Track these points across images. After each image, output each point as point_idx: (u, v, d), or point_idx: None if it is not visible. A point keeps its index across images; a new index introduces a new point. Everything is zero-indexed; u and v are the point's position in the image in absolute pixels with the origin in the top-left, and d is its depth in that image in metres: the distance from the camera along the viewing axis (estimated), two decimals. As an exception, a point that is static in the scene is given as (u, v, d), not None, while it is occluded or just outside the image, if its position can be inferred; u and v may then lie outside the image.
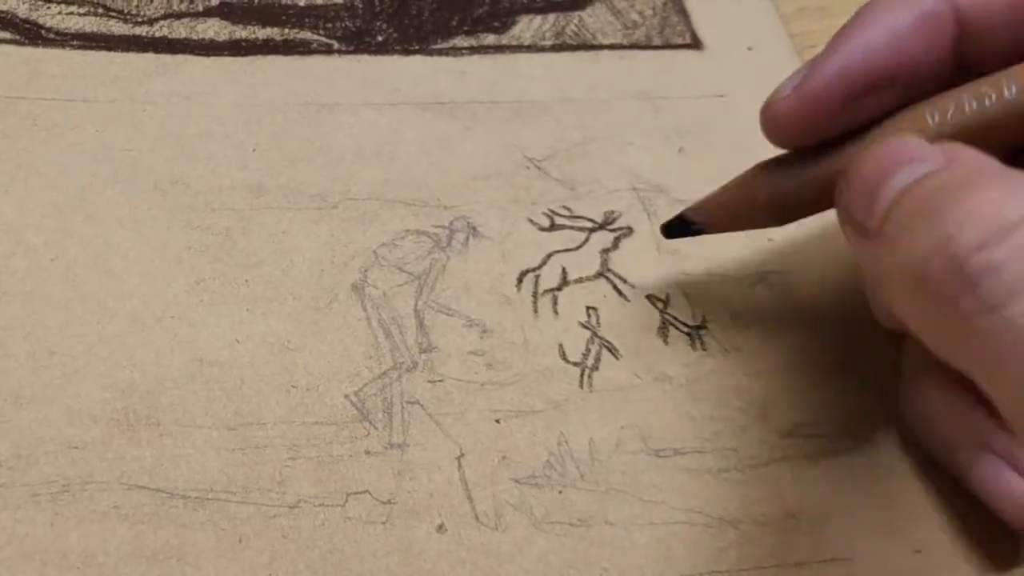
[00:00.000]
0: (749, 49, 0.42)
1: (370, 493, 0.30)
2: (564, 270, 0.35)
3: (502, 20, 0.40)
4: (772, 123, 0.30)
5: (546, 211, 0.36)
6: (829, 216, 0.36)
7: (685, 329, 0.34)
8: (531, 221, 0.35)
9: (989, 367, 0.23)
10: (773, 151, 0.38)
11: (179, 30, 0.37)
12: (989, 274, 0.22)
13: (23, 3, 0.37)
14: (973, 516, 0.31)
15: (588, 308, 0.34)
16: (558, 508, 0.30)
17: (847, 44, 0.28)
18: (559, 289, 0.34)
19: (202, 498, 0.29)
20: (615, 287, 0.35)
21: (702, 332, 0.34)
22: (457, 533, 0.30)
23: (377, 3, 0.40)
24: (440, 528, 0.30)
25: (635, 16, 0.41)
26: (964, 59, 0.29)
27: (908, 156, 0.26)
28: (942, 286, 0.23)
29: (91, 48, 0.36)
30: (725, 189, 0.32)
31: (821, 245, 0.37)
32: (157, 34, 0.37)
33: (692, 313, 0.35)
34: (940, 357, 0.25)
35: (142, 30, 0.37)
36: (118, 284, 0.32)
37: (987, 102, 0.27)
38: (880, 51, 0.28)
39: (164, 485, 0.29)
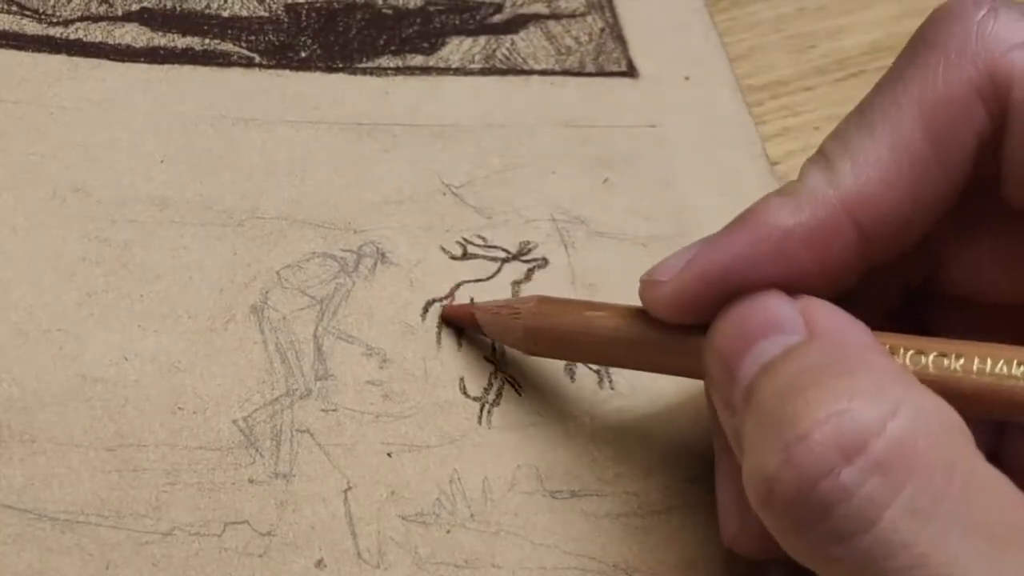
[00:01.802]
0: (686, 79, 0.41)
1: (249, 524, 0.29)
2: (472, 301, 0.34)
3: (431, 41, 0.39)
4: (650, 305, 0.28)
5: (459, 239, 0.35)
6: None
7: (594, 367, 0.33)
8: (443, 249, 0.35)
9: None
10: (700, 184, 0.38)
11: (95, 33, 0.36)
12: (840, 501, 0.21)
13: (-65, -2, 0.36)
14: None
15: (493, 342, 0.33)
16: (444, 548, 0.29)
17: (735, 240, 0.26)
18: (466, 320, 0.33)
19: (71, 521, 0.28)
20: (524, 320, 0.34)
21: (610, 371, 0.33)
22: (336, 569, 0.29)
23: (304, 18, 0.39)
24: (319, 563, 0.29)
25: (570, 42, 0.41)
26: (867, 261, 0.26)
27: (768, 322, 0.24)
28: (789, 509, 0.21)
29: (0, 47, 0.35)
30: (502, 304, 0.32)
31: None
32: (72, 36, 0.36)
33: (602, 351, 0.34)
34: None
35: (56, 31, 0.36)
36: (4, 293, 0.31)
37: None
38: (767, 256, 0.26)
39: (32, 506, 0.28)
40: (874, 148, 0.25)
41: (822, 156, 0.26)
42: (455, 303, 0.33)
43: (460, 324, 0.33)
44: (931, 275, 0.29)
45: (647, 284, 0.28)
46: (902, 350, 0.25)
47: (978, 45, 0.25)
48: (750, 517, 0.26)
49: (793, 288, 0.25)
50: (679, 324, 0.27)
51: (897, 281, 0.29)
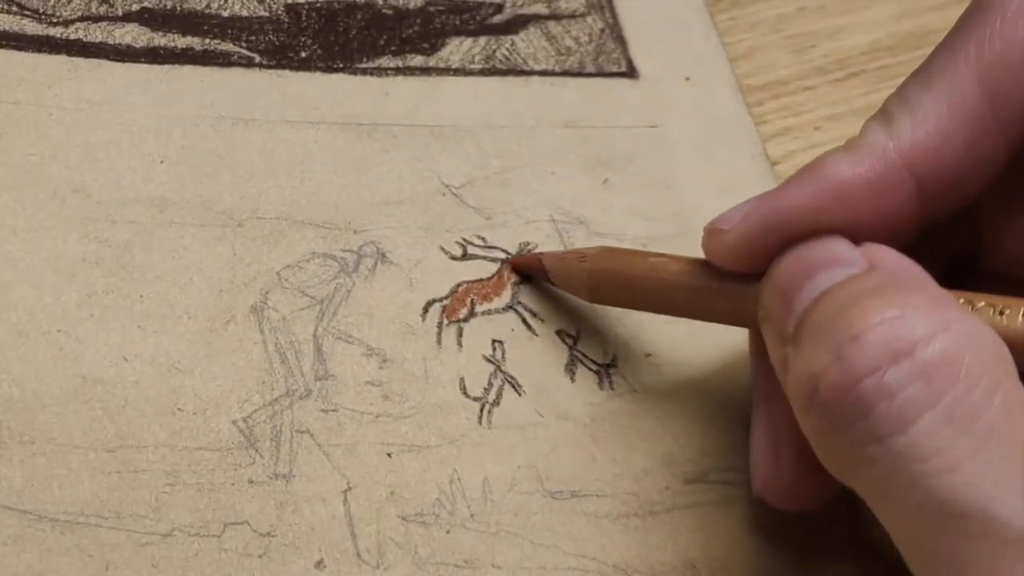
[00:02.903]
0: (686, 79, 0.41)
1: (249, 524, 0.29)
2: (472, 301, 0.34)
3: (431, 41, 0.39)
4: (712, 254, 0.29)
5: (459, 240, 0.35)
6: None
7: (594, 367, 0.33)
8: (443, 249, 0.34)
9: (879, 496, 0.22)
10: (700, 185, 0.38)
11: (95, 34, 0.36)
12: (881, 400, 0.21)
13: (-64, -2, 0.36)
14: (877, 569, 0.31)
15: (494, 341, 0.33)
16: (444, 548, 0.29)
17: (796, 191, 0.27)
18: (465, 320, 0.33)
19: (71, 522, 0.28)
20: (524, 320, 0.34)
21: (611, 370, 0.33)
22: (336, 570, 0.29)
23: (304, 18, 0.39)
24: (319, 564, 0.29)
25: (570, 42, 0.41)
26: (927, 215, 0.27)
27: (830, 258, 0.25)
28: (832, 406, 0.22)
29: (0, 47, 0.35)
30: (569, 251, 0.33)
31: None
32: (72, 36, 0.36)
33: (603, 350, 0.34)
34: (833, 474, 0.24)
35: (56, 31, 0.36)
36: (4, 294, 0.31)
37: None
38: (827, 207, 0.26)
39: (32, 507, 0.28)
40: (932, 104, 0.26)
41: (883, 112, 0.27)
42: (523, 254, 0.34)
43: (528, 272, 0.34)
44: (973, 250, 0.30)
45: (710, 232, 0.28)
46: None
47: None
48: (781, 464, 0.28)
49: (853, 239, 0.26)
50: (739, 272, 0.28)
51: (943, 253, 0.30)
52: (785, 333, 0.25)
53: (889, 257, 0.25)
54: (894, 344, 0.22)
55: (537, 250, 0.35)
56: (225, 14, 0.38)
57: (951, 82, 0.26)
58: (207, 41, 0.38)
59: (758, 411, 0.30)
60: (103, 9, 0.37)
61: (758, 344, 0.28)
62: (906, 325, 0.22)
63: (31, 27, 0.36)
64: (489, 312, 0.34)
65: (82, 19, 0.37)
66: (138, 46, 0.37)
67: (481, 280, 0.34)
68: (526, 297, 0.34)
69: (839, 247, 0.25)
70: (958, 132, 0.26)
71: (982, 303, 0.25)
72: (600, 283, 0.31)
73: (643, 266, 0.30)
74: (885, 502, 0.22)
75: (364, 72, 0.38)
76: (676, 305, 0.30)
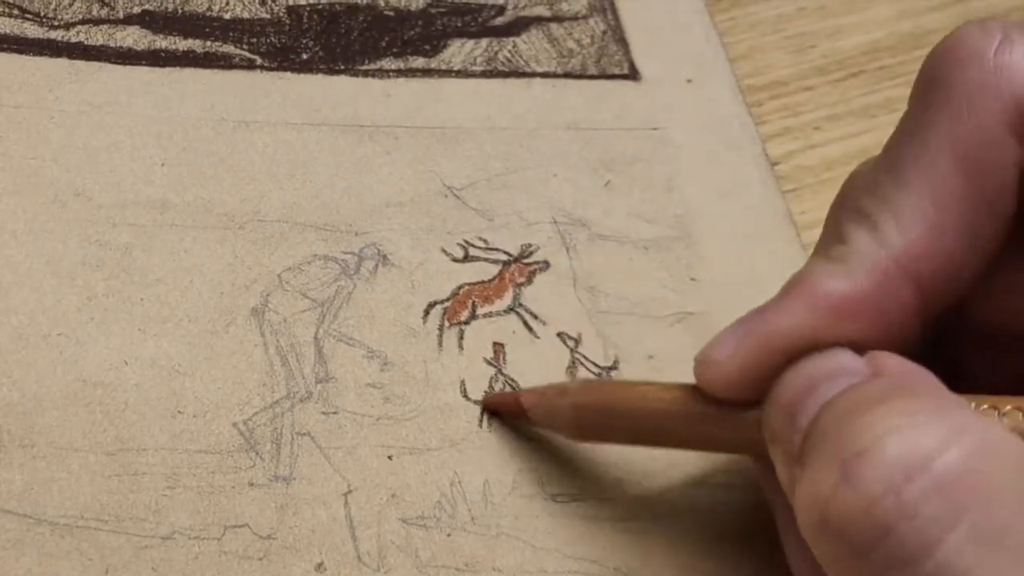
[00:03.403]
0: (688, 81, 0.41)
1: (249, 527, 0.29)
2: (474, 303, 0.34)
3: (433, 43, 0.39)
4: (707, 385, 0.27)
5: (461, 241, 0.35)
6: (750, 260, 0.36)
7: (595, 369, 0.33)
8: (444, 251, 0.34)
9: None
10: (701, 187, 0.38)
11: (96, 36, 0.36)
12: (901, 521, 0.20)
13: (-63, 2, 0.36)
14: None
15: (495, 344, 0.33)
16: (445, 551, 0.29)
17: (790, 312, 0.25)
18: (467, 323, 0.33)
19: (71, 525, 0.28)
20: (525, 323, 0.34)
21: (613, 373, 0.33)
22: (337, 573, 0.29)
23: (305, 20, 0.39)
24: (319, 567, 0.29)
25: (572, 44, 0.41)
26: (929, 313, 0.26)
27: (833, 369, 0.24)
28: (846, 531, 0.20)
29: (2, 51, 0.35)
30: (549, 386, 0.31)
31: (744, 287, 0.36)
32: (73, 39, 0.36)
33: (604, 353, 0.34)
34: None
35: (57, 34, 0.36)
36: (4, 298, 0.31)
37: None
38: (825, 325, 0.25)
39: (32, 510, 0.28)
40: (916, 202, 0.25)
41: (863, 216, 0.25)
42: (497, 392, 0.32)
43: (503, 412, 0.32)
44: (959, 308, 0.28)
45: (703, 364, 0.26)
46: (973, 405, 0.24)
47: (1000, 79, 0.24)
48: None
49: (856, 351, 0.25)
50: (738, 401, 0.26)
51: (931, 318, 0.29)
52: (792, 452, 0.23)
53: (892, 362, 0.24)
54: (906, 459, 0.20)
55: (537, 255, 0.35)
56: (226, 16, 0.38)
57: (927, 171, 0.25)
58: (208, 43, 0.38)
59: (787, 541, 0.28)
60: (104, 12, 0.37)
61: (768, 473, 0.26)
62: (916, 438, 0.20)
63: (32, 30, 0.36)
64: (490, 314, 0.34)
65: (83, 22, 0.37)
66: (139, 49, 0.37)
67: (483, 282, 0.34)
68: (527, 300, 0.34)
69: (842, 358, 0.24)
70: (948, 224, 0.24)
71: (1009, 407, 0.23)
72: (586, 419, 0.29)
73: (632, 396, 0.28)
74: None
75: (366, 74, 0.38)
76: (672, 436, 0.28)
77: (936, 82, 0.25)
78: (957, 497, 0.20)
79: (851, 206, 0.26)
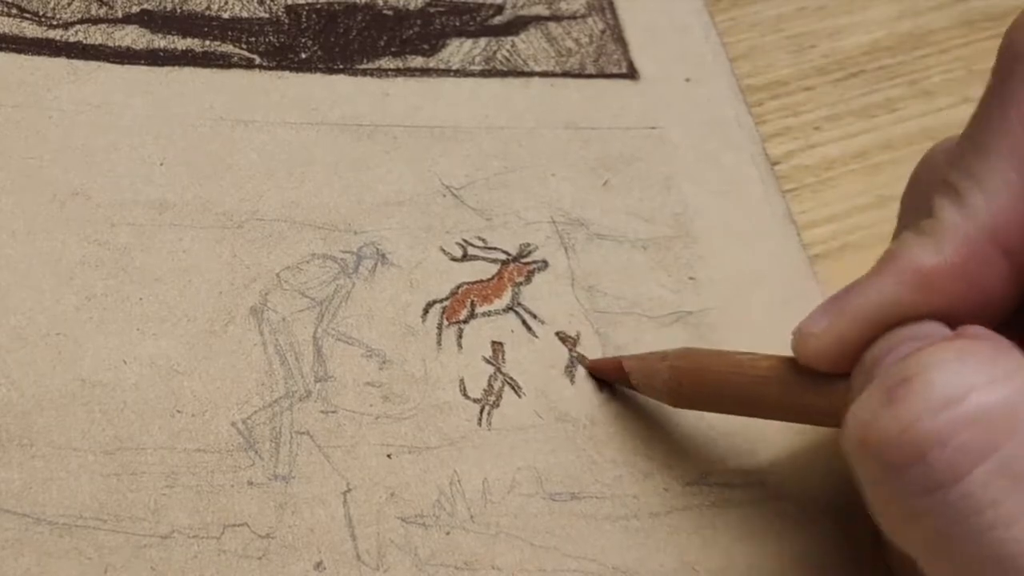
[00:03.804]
0: (687, 81, 0.41)
1: (248, 526, 0.29)
2: (472, 302, 0.34)
3: (432, 43, 0.39)
4: (804, 358, 0.27)
5: (459, 241, 0.35)
6: (749, 260, 0.36)
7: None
8: (443, 250, 0.34)
9: (934, 552, 0.21)
10: (700, 186, 0.38)
11: (95, 36, 0.36)
12: (933, 447, 0.21)
13: (-64, 1, 0.36)
14: (875, 572, 0.30)
15: (494, 343, 0.33)
16: (444, 550, 0.29)
17: (882, 285, 0.25)
18: (465, 322, 0.33)
19: (70, 525, 0.28)
20: (524, 322, 0.34)
21: (611, 372, 0.33)
22: (336, 571, 0.29)
23: (304, 19, 0.39)
24: (318, 566, 0.29)
25: (570, 43, 0.41)
26: (1019, 287, 0.25)
27: (918, 334, 0.24)
28: (883, 452, 0.21)
29: (0, 50, 0.35)
30: (649, 354, 0.31)
31: (743, 287, 0.36)
32: (72, 39, 0.36)
33: (603, 352, 0.34)
34: (887, 532, 0.23)
35: (56, 34, 0.36)
36: (4, 297, 0.31)
37: None
38: (917, 299, 0.25)
39: (31, 510, 0.28)
40: (1000, 172, 0.25)
41: (950, 188, 0.25)
42: (600, 357, 0.33)
43: (606, 376, 0.33)
44: None
45: (800, 336, 0.27)
46: None
47: None
48: None
49: (948, 325, 0.25)
50: (832, 372, 0.27)
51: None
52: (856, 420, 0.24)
53: (975, 330, 0.23)
54: (947, 389, 0.21)
55: (536, 254, 0.35)
56: (225, 16, 0.38)
57: (1010, 142, 0.25)
58: (207, 43, 0.37)
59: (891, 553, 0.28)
60: (103, 11, 0.37)
61: None
62: (961, 372, 0.21)
63: (31, 30, 0.36)
64: (489, 313, 0.34)
65: (82, 21, 0.37)
66: (138, 48, 0.37)
67: (481, 281, 0.34)
68: (526, 299, 0.34)
69: (928, 327, 0.24)
70: None
71: None
72: (683, 382, 0.30)
73: (728, 363, 0.29)
74: (940, 557, 0.21)
75: (364, 73, 0.38)
76: (765, 404, 0.29)
77: (1017, 56, 0.26)
78: (991, 432, 0.20)
79: (937, 179, 0.26)
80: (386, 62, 0.38)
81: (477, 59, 0.39)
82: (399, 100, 0.38)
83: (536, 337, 0.34)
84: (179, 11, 0.38)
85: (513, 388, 0.32)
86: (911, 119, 0.42)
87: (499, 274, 0.34)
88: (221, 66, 0.37)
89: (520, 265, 0.35)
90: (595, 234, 0.36)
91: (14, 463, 0.28)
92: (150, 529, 0.28)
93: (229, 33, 0.38)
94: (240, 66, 0.37)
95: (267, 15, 0.39)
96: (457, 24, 0.40)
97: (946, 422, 0.21)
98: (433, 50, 0.39)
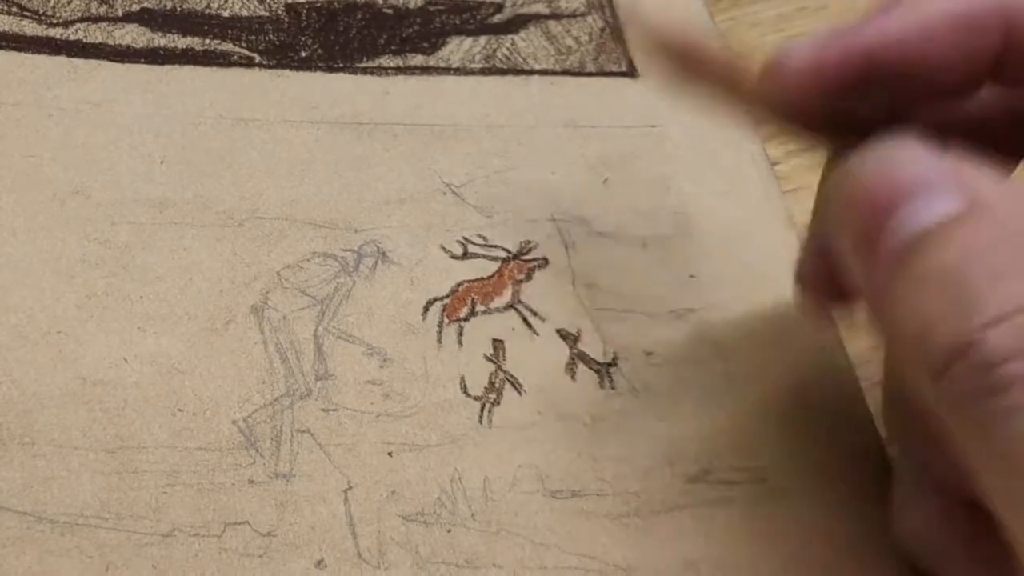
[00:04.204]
0: (687, 80, 0.41)
1: (249, 524, 0.29)
2: (473, 300, 0.34)
3: (431, 41, 0.39)
4: (777, 85, 0.26)
5: (460, 239, 0.35)
6: (749, 258, 0.36)
7: (595, 366, 0.33)
8: (443, 248, 0.34)
9: (1006, 482, 0.21)
10: (699, 185, 0.38)
11: (95, 34, 0.36)
12: (1021, 384, 0.20)
13: (-65, 0, 0.36)
14: (879, 568, 0.30)
15: (494, 340, 0.33)
16: (445, 547, 0.29)
17: (875, 24, 0.25)
18: (466, 319, 0.33)
19: (71, 523, 0.28)
20: (524, 320, 0.34)
21: (612, 370, 0.33)
22: (337, 569, 0.29)
23: (304, 18, 0.39)
24: (319, 564, 0.29)
25: (570, 42, 0.41)
26: (1004, 70, 0.26)
27: (919, 181, 0.23)
28: (967, 385, 0.21)
29: (0, 48, 0.35)
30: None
31: (743, 285, 0.36)
32: (72, 37, 0.36)
33: (603, 350, 0.34)
34: (951, 448, 0.23)
35: (56, 32, 0.36)
36: (4, 296, 0.31)
37: None
38: (909, 42, 0.25)
39: (32, 508, 0.28)
40: None
41: None
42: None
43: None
44: None
45: (778, 63, 0.26)
46: None
47: None
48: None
49: (936, 83, 0.25)
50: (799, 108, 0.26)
51: None
52: (873, 269, 0.23)
53: (987, 188, 0.22)
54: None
55: (536, 252, 0.35)
56: (225, 14, 0.38)
57: None
58: (207, 41, 0.38)
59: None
60: (103, 10, 0.37)
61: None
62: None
63: (31, 28, 0.36)
64: (490, 311, 0.34)
65: (82, 20, 0.37)
66: (138, 47, 0.37)
67: (482, 279, 0.34)
68: (527, 296, 0.34)
69: (926, 163, 0.23)
70: None
71: None
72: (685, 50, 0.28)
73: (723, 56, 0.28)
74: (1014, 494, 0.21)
75: (364, 71, 0.38)
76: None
77: None
78: None
79: None
80: (386, 60, 0.38)
81: (477, 57, 0.39)
82: (399, 98, 0.38)
83: (537, 335, 0.34)
84: (179, 9, 0.38)
85: (514, 386, 0.32)
86: (911, 118, 0.41)
87: (499, 272, 0.34)
88: (221, 64, 0.37)
89: (520, 263, 0.35)
90: (595, 232, 0.36)
91: (15, 461, 0.28)
92: (151, 527, 0.28)
93: (229, 32, 0.38)
94: (240, 64, 0.37)
95: (267, 14, 0.39)
96: (457, 22, 0.40)
97: None
98: (433, 48, 0.39)
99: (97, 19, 0.37)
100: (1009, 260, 0.21)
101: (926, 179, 0.23)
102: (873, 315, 0.24)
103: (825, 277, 0.28)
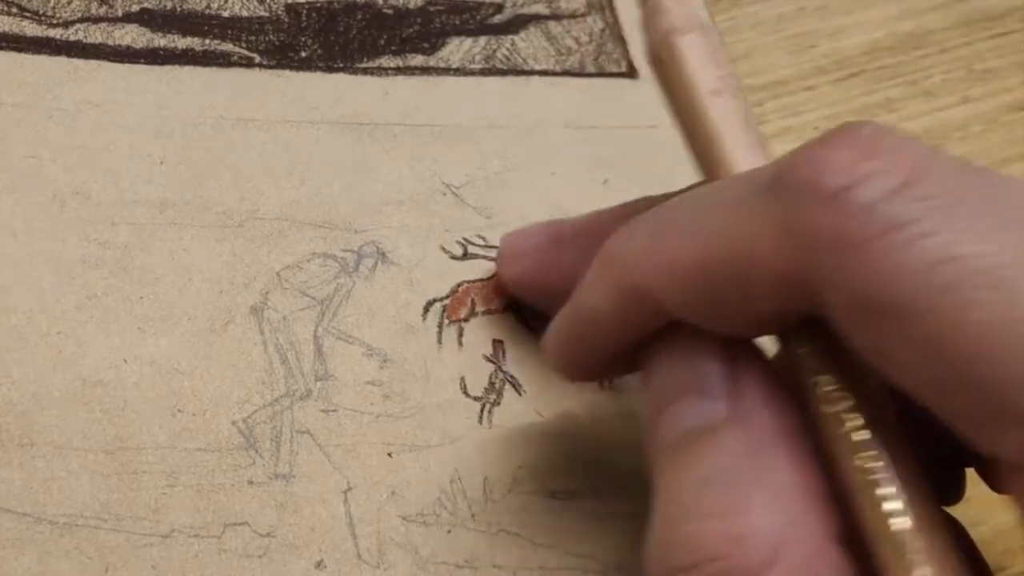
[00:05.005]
0: (687, 81, 0.41)
1: (249, 525, 0.29)
2: (473, 301, 0.34)
3: (432, 41, 0.39)
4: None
5: (460, 239, 0.35)
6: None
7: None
8: (443, 249, 0.34)
9: None
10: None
11: (95, 35, 0.36)
12: None
13: (-65, 1, 0.36)
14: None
15: (494, 341, 0.33)
16: (445, 548, 0.29)
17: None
18: (466, 320, 0.33)
19: (70, 524, 0.28)
20: (525, 320, 0.34)
21: (612, 371, 0.33)
22: (337, 570, 0.29)
23: (304, 18, 0.39)
24: (319, 564, 0.29)
25: (570, 42, 0.41)
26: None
27: (693, 382, 0.23)
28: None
29: (0, 49, 0.35)
30: None
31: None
32: (72, 38, 0.36)
33: (604, 351, 0.34)
34: None
35: (56, 33, 0.36)
36: (4, 297, 0.31)
37: None
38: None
39: (31, 509, 0.28)
40: None
41: None
42: None
43: None
44: None
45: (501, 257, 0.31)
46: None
47: None
48: None
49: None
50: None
51: None
52: (651, 445, 0.24)
53: (757, 397, 0.23)
54: (758, 553, 0.21)
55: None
56: (225, 14, 0.38)
57: None
58: (207, 41, 0.37)
59: None
60: (103, 10, 0.37)
61: None
62: (743, 553, 0.21)
63: (31, 29, 0.36)
64: (490, 312, 0.34)
65: (82, 20, 0.37)
66: (138, 47, 0.37)
67: (482, 280, 0.34)
68: (527, 297, 0.34)
69: (704, 364, 0.23)
70: None
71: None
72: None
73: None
74: None
75: (364, 72, 0.38)
76: None
77: None
78: None
79: None
80: (386, 61, 0.38)
81: (477, 58, 0.39)
82: (399, 99, 0.38)
83: (537, 335, 0.33)
84: (179, 10, 0.38)
85: (514, 386, 0.32)
86: (911, 119, 0.42)
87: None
88: (221, 65, 0.37)
89: None
90: (595, 233, 0.36)
91: (15, 462, 0.28)
92: (151, 528, 0.28)
93: (229, 32, 0.38)
94: (240, 65, 0.37)
95: (267, 14, 0.39)
96: (457, 23, 0.40)
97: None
98: (433, 49, 0.39)
99: (97, 20, 0.37)
100: (731, 491, 0.22)
101: (701, 378, 0.23)
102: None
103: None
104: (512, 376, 0.33)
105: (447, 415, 0.31)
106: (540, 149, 0.37)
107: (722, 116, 0.26)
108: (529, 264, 0.31)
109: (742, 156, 0.25)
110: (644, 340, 0.25)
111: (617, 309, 0.24)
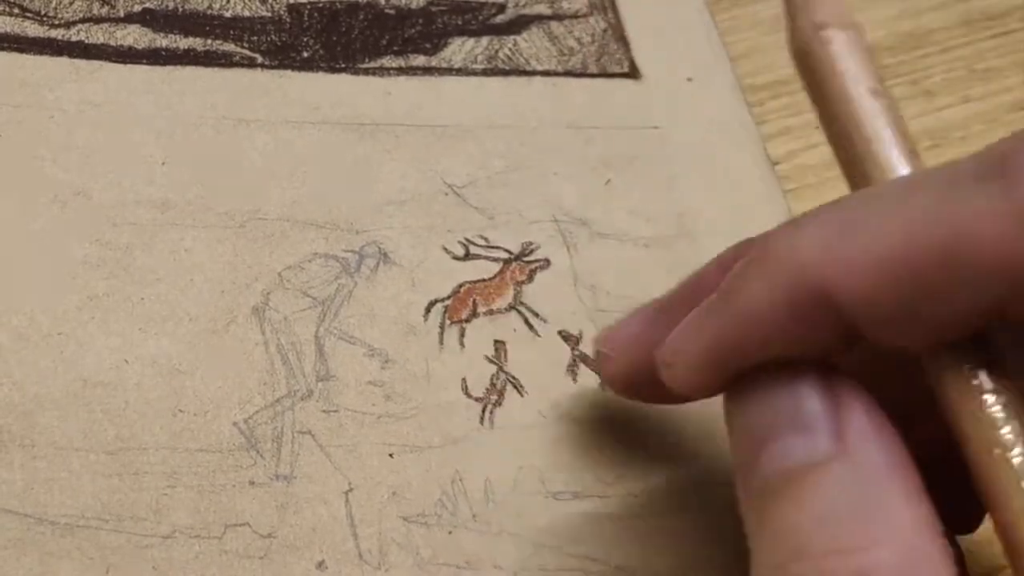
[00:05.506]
0: (689, 80, 0.41)
1: (250, 526, 0.29)
2: (474, 301, 0.34)
3: (434, 41, 0.39)
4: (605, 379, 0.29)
5: (461, 240, 0.35)
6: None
7: (596, 367, 0.33)
8: (445, 249, 0.34)
9: None
10: (702, 186, 0.38)
11: (97, 35, 0.36)
12: None
13: (-63, 1, 0.36)
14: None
15: (496, 342, 0.33)
16: (446, 549, 0.29)
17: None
18: (468, 321, 0.33)
19: (72, 525, 0.28)
20: (526, 321, 0.34)
21: (613, 371, 0.33)
22: (338, 571, 0.29)
23: (306, 18, 0.39)
24: (320, 565, 0.29)
25: (572, 43, 0.41)
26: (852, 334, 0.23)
27: (795, 418, 0.23)
28: None
29: (2, 49, 0.35)
30: None
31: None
32: (73, 38, 0.36)
33: (605, 350, 0.34)
34: None
35: (58, 33, 0.36)
36: (5, 298, 0.31)
37: None
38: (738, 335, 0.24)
39: (33, 510, 0.28)
40: None
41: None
42: None
43: None
44: None
45: (600, 357, 0.29)
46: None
47: None
48: None
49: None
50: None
51: None
52: (748, 486, 0.23)
53: (863, 433, 0.22)
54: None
55: (538, 253, 0.35)
56: (227, 15, 0.38)
57: None
58: (209, 42, 0.37)
59: None
60: (105, 11, 0.37)
61: None
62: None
63: (33, 29, 0.36)
64: (491, 312, 0.34)
65: (83, 21, 0.37)
66: (140, 47, 0.37)
67: (483, 280, 0.34)
68: (528, 298, 0.34)
69: (806, 401, 0.23)
70: None
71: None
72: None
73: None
74: None
75: (366, 72, 0.38)
76: None
77: None
78: None
79: None
80: (388, 61, 0.38)
81: (479, 58, 0.39)
82: (401, 99, 0.37)
83: (539, 336, 0.33)
84: (181, 10, 0.38)
85: (516, 387, 0.32)
86: (911, 119, 0.41)
87: (501, 273, 0.34)
88: (223, 65, 0.37)
89: (522, 264, 0.35)
90: (597, 233, 0.36)
91: (16, 463, 0.28)
92: (152, 529, 0.28)
93: (231, 32, 0.38)
94: (242, 65, 0.37)
95: (269, 14, 0.39)
96: (459, 23, 0.40)
97: None
98: (435, 49, 0.39)
99: (99, 20, 0.37)
100: (852, 527, 0.21)
101: (803, 415, 0.23)
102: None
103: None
104: (513, 377, 0.33)
105: (448, 416, 0.31)
106: (542, 149, 0.37)
107: (883, 117, 0.25)
108: (635, 355, 0.28)
109: (902, 160, 0.24)
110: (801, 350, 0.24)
111: (783, 315, 0.23)
